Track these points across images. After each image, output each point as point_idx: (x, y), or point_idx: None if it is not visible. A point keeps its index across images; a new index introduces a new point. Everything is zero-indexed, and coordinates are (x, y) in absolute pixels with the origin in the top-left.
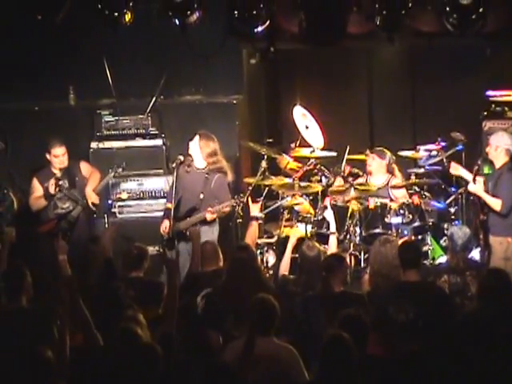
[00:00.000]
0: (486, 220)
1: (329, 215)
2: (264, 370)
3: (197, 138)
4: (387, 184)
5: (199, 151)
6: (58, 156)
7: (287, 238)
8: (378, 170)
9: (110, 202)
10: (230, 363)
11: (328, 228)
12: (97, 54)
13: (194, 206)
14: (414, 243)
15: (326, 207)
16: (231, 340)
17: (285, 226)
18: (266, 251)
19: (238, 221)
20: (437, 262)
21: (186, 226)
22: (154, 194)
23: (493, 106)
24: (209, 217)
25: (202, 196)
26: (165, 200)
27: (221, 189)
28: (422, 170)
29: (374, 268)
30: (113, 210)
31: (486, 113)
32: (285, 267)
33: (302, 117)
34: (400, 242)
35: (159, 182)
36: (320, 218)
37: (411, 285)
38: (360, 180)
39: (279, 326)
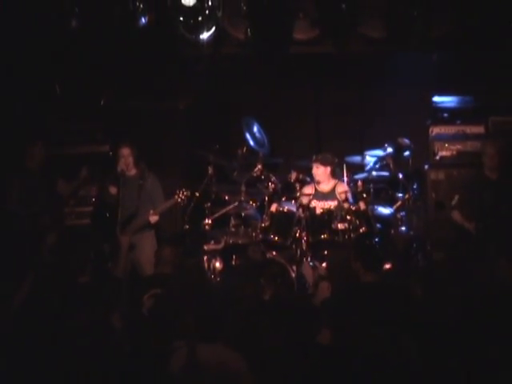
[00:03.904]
0: None
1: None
2: (212, 377)
3: (126, 145)
4: (333, 190)
5: (131, 159)
6: None
7: (235, 244)
8: (324, 177)
9: None
10: (176, 373)
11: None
12: None
13: (132, 214)
14: (373, 245)
15: None
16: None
17: (232, 233)
18: (213, 257)
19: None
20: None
21: (129, 234)
22: None
23: (439, 111)
24: (153, 219)
25: (137, 202)
26: None
27: (156, 190)
28: (368, 176)
29: (332, 274)
30: None
31: (432, 119)
32: None
33: (249, 124)
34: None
35: None
36: (267, 224)
37: (371, 286)
38: (308, 187)
39: (227, 333)
